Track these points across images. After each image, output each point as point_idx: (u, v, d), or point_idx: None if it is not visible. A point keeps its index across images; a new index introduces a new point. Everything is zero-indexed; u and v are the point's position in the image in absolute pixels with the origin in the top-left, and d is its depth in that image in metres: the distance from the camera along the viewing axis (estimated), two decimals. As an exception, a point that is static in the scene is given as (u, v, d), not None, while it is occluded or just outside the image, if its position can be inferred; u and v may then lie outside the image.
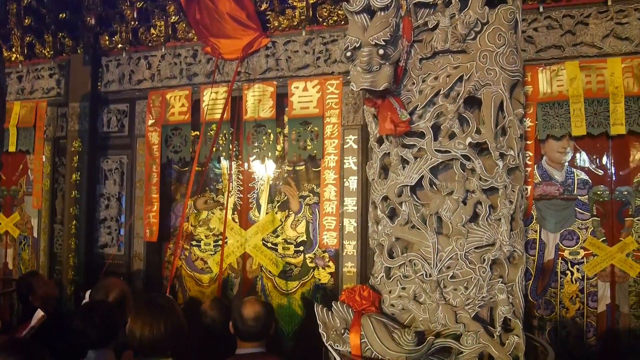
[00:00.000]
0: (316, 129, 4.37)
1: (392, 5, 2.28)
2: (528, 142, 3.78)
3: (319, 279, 4.49)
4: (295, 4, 4.38)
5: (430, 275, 2.32)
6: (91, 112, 4.98)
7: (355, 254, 4.21)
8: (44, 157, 5.22)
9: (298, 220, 4.61)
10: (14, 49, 5.24)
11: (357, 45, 2.29)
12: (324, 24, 4.39)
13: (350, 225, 4.25)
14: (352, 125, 4.27)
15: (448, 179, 2.37)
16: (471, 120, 2.34)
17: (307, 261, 4.55)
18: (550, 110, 3.88)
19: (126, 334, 2.35)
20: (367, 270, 4.20)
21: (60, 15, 4.80)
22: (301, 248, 4.57)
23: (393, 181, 2.45)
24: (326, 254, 4.48)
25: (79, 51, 4.99)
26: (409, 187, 2.41)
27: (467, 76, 2.34)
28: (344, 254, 4.24)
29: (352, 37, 2.29)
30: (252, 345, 2.63)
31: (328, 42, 4.37)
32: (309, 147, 4.40)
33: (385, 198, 2.52)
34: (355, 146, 4.26)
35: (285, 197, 4.66)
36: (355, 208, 4.23)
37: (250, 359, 2.60)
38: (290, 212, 4.64)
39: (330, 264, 4.47)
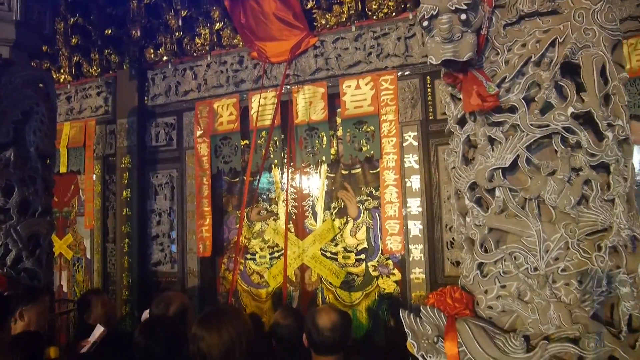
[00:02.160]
0: (372, 128, 4.13)
1: (470, -33, 2.02)
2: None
3: (384, 289, 4.20)
4: (343, -1, 4.18)
5: (536, 269, 2.01)
6: (139, 127, 4.91)
7: (422, 258, 3.91)
8: (94, 175, 5.18)
9: (357, 226, 4.35)
10: (62, 70, 5.26)
11: (435, 13, 2.04)
12: (374, 17, 4.17)
13: (416, 228, 3.96)
14: (411, 121, 4.01)
15: (547, 157, 2.06)
16: (570, 89, 2.04)
17: (370, 270, 4.26)
18: (632, 88, 3.51)
19: (189, 342, 2.12)
20: (436, 276, 3.88)
21: (106, 31, 4.78)
22: (362, 256, 4.30)
23: (482, 165, 2.15)
24: (390, 261, 4.19)
25: (125, 67, 4.94)
26: (501, 170, 2.11)
27: (562, 39, 2.05)
28: (411, 259, 3.95)
29: (427, 4, 2.05)
30: (329, 359, 2.36)
31: (379, 36, 4.15)
32: (364, 148, 4.15)
33: (473, 185, 2.23)
34: (415, 143, 3.99)
35: (343, 203, 4.41)
36: (420, 209, 3.95)
37: (328, 373, 2.32)
38: (349, 219, 4.38)
39: (395, 271, 4.17)
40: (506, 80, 2.11)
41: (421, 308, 2.18)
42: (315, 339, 2.37)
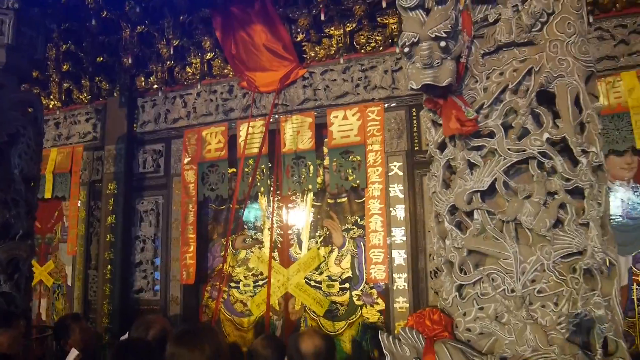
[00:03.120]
0: (358, 157, 4.19)
1: (450, -1, 2.13)
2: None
3: (368, 318, 4.17)
4: (332, 32, 4.32)
5: (513, 291, 2.02)
6: (127, 153, 4.93)
7: (406, 287, 3.91)
8: (79, 202, 5.15)
9: (342, 255, 4.35)
10: (52, 96, 5.30)
11: (415, 40, 2.12)
12: (362, 51, 4.30)
13: (400, 257, 3.97)
14: (397, 151, 4.08)
15: (524, 181, 2.11)
16: (545, 116, 2.11)
17: (354, 299, 4.24)
18: (610, 124, 3.63)
19: None
20: (420, 305, 3.87)
21: (98, 58, 4.86)
22: (347, 285, 4.28)
23: (461, 188, 2.20)
24: (374, 290, 4.18)
25: (115, 94, 5.01)
26: (479, 193, 2.16)
27: (537, 68, 2.13)
28: (394, 288, 3.95)
29: (409, 32, 2.13)
30: (311, 385, 2.33)
31: (367, 68, 4.27)
32: (350, 177, 4.21)
33: (452, 209, 2.26)
34: (400, 173, 4.05)
35: (328, 232, 4.43)
36: (405, 238, 3.97)
37: (308, 400, 2.28)
38: (334, 247, 4.39)
39: (379, 300, 4.15)
40: (484, 107, 2.18)
41: (399, 330, 2.17)
42: (296, 364, 2.34)
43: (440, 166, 2.36)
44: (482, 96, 2.21)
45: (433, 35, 2.08)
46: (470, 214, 2.21)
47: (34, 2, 3.75)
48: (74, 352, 2.87)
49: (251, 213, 4.73)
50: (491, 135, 2.17)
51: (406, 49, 2.15)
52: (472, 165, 2.21)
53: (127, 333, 2.88)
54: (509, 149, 2.10)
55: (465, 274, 2.18)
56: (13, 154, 3.61)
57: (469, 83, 2.27)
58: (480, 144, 2.19)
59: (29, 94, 4.07)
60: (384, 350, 2.19)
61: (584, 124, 2.11)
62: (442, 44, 2.07)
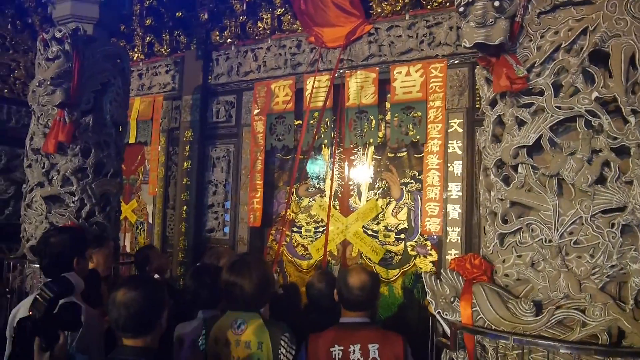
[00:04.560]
0: (419, 113, 4.29)
1: (507, -43, 2.18)
2: None
3: (421, 268, 4.37)
4: (398, -13, 4.35)
5: (550, 241, 2.15)
6: (202, 104, 5.30)
7: (459, 241, 4.05)
8: (159, 147, 5.63)
9: (399, 207, 4.54)
10: (135, 49, 5.74)
11: (470, 0, 2.21)
12: (428, 7, 4.32)
13: (455, 211, 4.10)
14: (457, 108, 4.14)
15: (571, 139, 2.19)
16: (597, 75, 2.15)
17: (408, 249, 4.45)
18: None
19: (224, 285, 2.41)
20: (472, 259, 4.01)
21: (177, 13, 5.20)
22: (402, 236, 4.49)
23: (508, 143, 2.31)
24: (428, 242, 4.36)
25: (192, 47, 5.35)
26: (525, 148, 2.26)
27: (593, 27, 2.16)
28: (448, 241, 4.10)
29: (464, -9, 2.22)
30: (356, 315, 2.59)
31: (432, 25, 4.29)
32: (411, 133, 4.33)
33: (499, 162, 2.38)
34: (460, 130, 4.12)
35: (387, 184, 4.61)
36: (460, 194, 4.09)
37: (354, 328, 2.55)
38: (392, 200, 4.58)
39: (433, 252, 4.34)
40: (536, 65, 2.25)
41: (442, 271, 2.37)
42: (345, 296, 2.60)
43: (491, 122, 2.47)
44: (535, 55, 2.27)
45: (488, -6, 2.16)
46: (515, 168, 2.33)
47: (123, -38, 4.08)
48: (156, 277, 3.31)
49: (315, 163, 4.99)
50: (541, 93, 2.25)
51: (461, 9, 2.24)
52: (520, 122, 2.31)
53: (199, 264, 3.28)
54: (556, 106, 2.18)
55: (507, 223, 2.33)
56: (105, 101, 4.05)
57: (524, 42, 2.33)
58: (529, 101, 2.27)
59: (118, 47, 4.47)
60: (426, 288, 2.41)
61: (638, 84, 2.14)
62: (496, 3, 2.15)
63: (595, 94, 2.12)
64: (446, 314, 2.33)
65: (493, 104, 2.46)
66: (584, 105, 2.13)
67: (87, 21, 3.94)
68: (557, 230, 2.14)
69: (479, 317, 2.24)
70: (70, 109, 3.73)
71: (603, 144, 2.11)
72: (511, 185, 2.30)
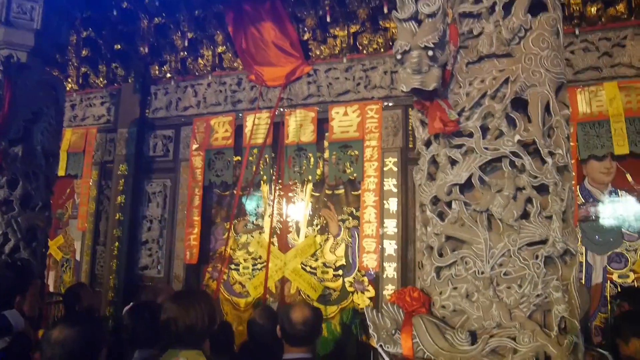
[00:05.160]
0: (356, 152, 4.46)
1: (439, 13, 2.39)
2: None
3: (358, 304, 4.45)
4: (336, 33, 4.58)
5: (482, 273, 2.30)
6: (138, 137, 5.21)
7: (395, 276, 4.19)
8: (91, 180, 5.43)
9: (337, 243, 4.63)
10: (69, 79, 5.58)
11: (407, 49, 2.38)
12: (364, 52, 4.57)
13: (391, 247, 4.25)
14: (392, 147, 4.35)
15: (497, 178, 2.38)
16: (518, 120, 2.37)
17: (346, 285, 4.53)
18: (591, 130, 3.90)
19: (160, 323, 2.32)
20: (407, 293, 4.14)
21: (115, 45, 5.14)
22: (340, 272, 4.57)
23: (442, 181, 2.47)
24: (365, 278, 4.46)
25: (129, 80, 5.29)
26: (458, 186, 2.43)
27: (513, 78, 2.40)
28: (384, 276, 4.22)
29: (402, 41, 2.39)
30: (299, 350, 2.60)
31: (368, 69, 4.53)
32: (348, 170, 4.48)
33: (434, 199, 2.53)
34: (395, 168, 4.32)
35: (325, 221, 4.70)
36: (396, 230, 4.25)
37: (297, 363, 2.56)
38: (330, 236, 4.67)
39: (370, 288, 4.43)
40: (466, 110, 2.45)
41: (382, 304, 2.45)
42: (288, 331, 2.61)
43: (426, 161, 2.63)
44: (464, 100, 2.47)
45: (422, 45, 2.34)
46: (449, 204, 2.48)
47: (61, -9, 4.02)
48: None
49: (253, 200, 5.01)
50: (470, 135, 2.44)
51: (399, 56, 2.41)
52: (452, 161, 2.48)
53: (131, 304, 3.15)
54: (485, 147, 2.37)
55: (443, 257, 2.46)
56: (36, 130, 3.90)
57: (454, 88, 2.53)
58: (460, 142, 2.46)
59: (53, 76, 4.34)
60: (368, 322, 2.48)
61: (553, 129, 2.38)
62: (430, 53, 2.33)
63: (517, 137, 2.33)
64: (388, 347, 2.39)
65: (428, 144, 2.63)
66: (508, 147, 2.33)
67: (21, 49, 3.81)
68: (489, 262, 2.29)
69: (419, 348, 2.32)
70: (-3, 139, 3.55)
71: (526, 182, 2.31)
72: (446, 220, 2.45)
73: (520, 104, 2.44)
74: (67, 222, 5.75)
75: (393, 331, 2.40)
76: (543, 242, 2.29)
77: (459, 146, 2.47)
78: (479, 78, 2.49)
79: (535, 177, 2.31)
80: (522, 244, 2.28)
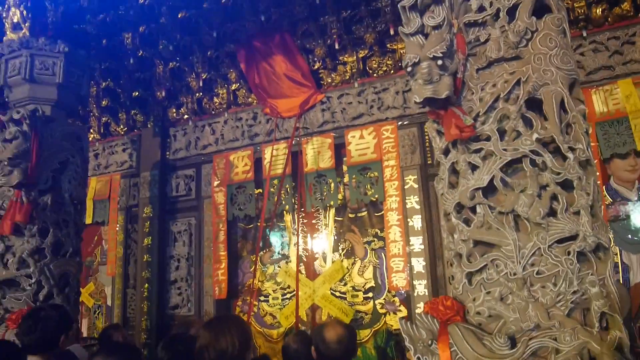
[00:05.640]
0: (375, 173, 4.49)
1: (445, 24, 2.46)
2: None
3: (391, 325, 4.38)
4: (346, 59, 4.69)
5: (515, 274, 2.27)
6: (160, 179, 5.33)
7: (426, 293, 4.13)
8: (117, 225, 5.53)
9: (365, 266, 4.60)
10: (91, 130, 5.77)
11: (417, 61, 2.44)
12: (374, 75, 4.65)
13: (419, 264, 4.21)
14: (411, 165, 4.37)
15: (520, 178, 2.38)
16: (535, 120, 2.39)
17: (377, 307, 4.47)
18: (610, 129, 3.87)
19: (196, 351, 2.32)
20: (440, 310, 4.07)
21: (134, 93, 5.33)
22: (370, 294, 4.52)
23: (464, 186, 2.48)
24: (396, 298, 4.41)
25: (149, 125, 5.45)
26: (480, 190, 2.43)
27: (525, 79, 2.42)
28: (415, 294, 4.17)
29: (410, 54, 2.46)
30: (335, 370, 2.58)
31: (380, 90, 4.61)
32: (369, 192, 4.50)
33: (458, 206, 2.53)
34: (415, 185, 4.33)
35: (350, 245, 4.70)
36: (422, 247, 4.21)
37: (334, 384, 2.53)
38: (356, 259, 4.65)
39: (402, 307, 4.38)
40: (480, 114, 2.48)
41: (416, 315, 2.43)
42: (322, 351, 2.59)
43: (446, 169, 2.64)
44: (478, 105, 2.50)
45: (431, 56, 2.40)
46: (473, 210, 2.48)
47: (80, 44, 4.22)
48: None
49: (278, 230, 5.03)
50: (488, 138, 2.45)
51: (409, 69, 2.47)
52: (473, 166, 2.49)
53: (170, 334, 3.17)
54: (503, 149, 2.38)
55: (472, 262, 2.44)
56: (63, 179, 4.02)
57: (467, 95, 2.57)
58: (479, 147, 2.47)
59: (77, 126, 4.50)
60: (403, 334, 2.45)
61: (570, 125, 2.38)
62: (440, 62, 2.39)
63: (535, 136, 2.35)
64: (425, 358, 2.36)
65: (446, 152, 2.65)
66: (527, 146, 2.34)
67: (45, 103, 3.98)
68: (520, 263, 2.27)
69: (458, 356, 2.28)
70: (27, 189, 3.67)
71: (549, 179, 2.31)
72: (472, 225, 2.44)
73: (534, 103, 2.46)
74: (97, 269, 5.83)
75: (429, 342, 2.37)
76: (573, 237, 2.26)
77: (478, 150, 2.49)
78: (490, 83, 2.53)
79: (558, 174, 2.30)
80: (551, 241, 2.25)
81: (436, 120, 2.68)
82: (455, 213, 2.56)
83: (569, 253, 2.23)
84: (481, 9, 2.63)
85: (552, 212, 2.30)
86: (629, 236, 3.80)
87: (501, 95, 2.46)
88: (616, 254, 3.76)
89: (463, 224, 2.50)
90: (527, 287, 2.25)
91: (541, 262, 2.26)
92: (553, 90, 2.39)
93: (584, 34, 3.99)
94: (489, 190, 2.45)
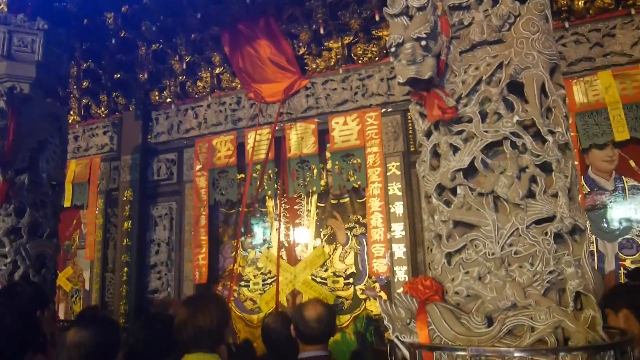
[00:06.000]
0: (358, 160, 4.50)
1: (429, 6, 2.46)
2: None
3: (372, 311, 4.41)
4: (331, 45, 4.68)
5: (493, 254, 2.29)
6: (142, 162, 5.27)
7: (406, 279, 4.15)
8: (97, 209, 5.46)
9: (346, 252, 4.62)
10: (71, 112, 5.67)
11: (400, 42, 2.44)
12: (359, 61, 4.65)
13: (400, 250, 4.24)
14: (394, 152, 4.39)
15: (500, 160, 2.41)
16: (516, 103, 2.40)
17: (358, 293, 4.50)
18: (589, 119, 3.93)
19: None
20: (420, 296, 4.11)
21: (115, 75, 5.24)
22: (351, 280, 4.54)
23: (445, 168, 2.49)
24: (377, 284, 4.43)
25: (130, 108, 5.37)
26: (461, 171, 2.45)
27: (507, 62, 2.44)
28: (396, 280, 4.20)
29: (395, 35, 2.46)
30: (314, 348, 2.58)
31: (364, 77, 4.61)
32: (352, 178, 4.51)
33: (439, 187, 2.55)
34: (398, 172, 4.35)
35: (332, 231, 4.71)
36: (403, 233, 4.24)
37: (314, 361, 2.54)
38: (338, 245, 4.66)
39: (382, 293, 4.40)
40: (463, 97, 2.49)
41: (395, 294, 2.45)
42: (302, 330, 2.59)
43: (428, 151, 2.65)
44: (461, 88, 2.51)
45: (415, 37, 2.40)
46: (454, 191, 2.49)
47: (60, 23, 4.13)
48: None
49: (259, 215, 5.02)
50: (470, 120, 2.47)
51: (393, 49, 2.47)
52: (454, 148, 2.51)
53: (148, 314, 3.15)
54: (485, 131, 2.40)
55: (452, 242, 2.47)
56: (41, 159, 3.94)
57: (449, 77, 2.58)
58: (460, 128, 2.49)
59: (56, 106, 4.41)
60: (382, 313, 2.46)
61: (551, 109, 2.41)
62: (423, 43, 2.39)
63: (516, 118, 2.37)
64: (404, 337, 2.37)
65: (428, 134, 2.66)
66: (507, 128, 2.36)
67: (23, 80, 3.89)
68: (498, 243, 2.29)
69: (436, 335, 2.30)
70: (4, 167, 3.60)
71: (528, 161, 2.33)
72: (452, 206, 2.46)
73: (516, 87, 2.48)
74: (75, 253, 5.75)
75: (408, 320, 2.38)
76: (551, 219, 2.29)
77: (460, 132, 2.50)
78: (473, 65, 2.54)
79: (538, 156, 2.33)
80: (529, 221, 2.28)
81: (419, 102, 2.69)
82: (436, 195, 2.58)
83: (546, 234, 2.26)
84: (466, -8, 2.66)
85: (530, 194, 2.33)
86: (605, 225, 3.87)
87: (483, 77, 2.48)
88: (592, 242, 3.83)
89: (444, 205, 2.52)
90: (504, 267, 2.28)
91: (519, 243, 2.29)
92: (534, 74, 2.42)
93: (566, 25, 4.04)
94: (470, 171, 2.47)
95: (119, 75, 5.28)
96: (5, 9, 3.95)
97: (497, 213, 2.35)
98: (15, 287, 2.48)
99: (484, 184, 2.41)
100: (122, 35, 4.81)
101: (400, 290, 4.08)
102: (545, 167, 2.35)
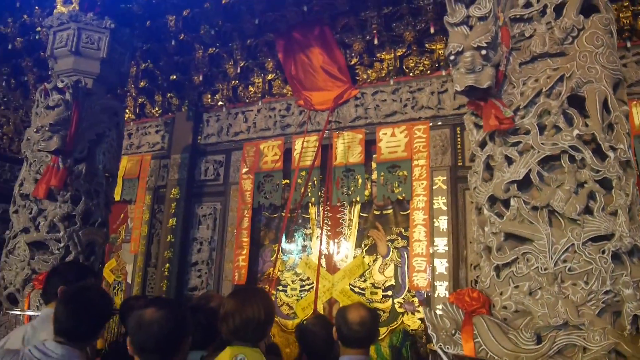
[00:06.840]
0: (404, 172, 4.48)
1: (491, 16, 2.46)
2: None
3: (409, 325, 4.34)
4: (383, 57, 4.70)
5: (546, 269, 2.23)
6: (190, 162, 5.40)
7: (447, 295, 4.08)
8: (144, 205, 5.62)
9: (386, 264, 4.58)
10: (127, 110, 5.89)
11: (460, 50, 2.44)
12: (411, 74, 4.65)
13: (442, 265, 4.17)
14: (441, 166, 4.35)
15: (557, 173, 2.35)
16: (576, 117, 2.36)
17: (396, 306, 4.44)
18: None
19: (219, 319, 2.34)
20: (460, 313, 4.02)
21: (172, 76, 5.43)
22: (389, 292, 4.49)
23: (499, 179, 2.45)
24: (416, 298, 4.37)
25: (183, 109, 5.54)
26: (515, 183, 2.41)
27: (569, 75, 2.40)
28: (436, 296, 4.13)
29: (454, 43, 2.46)
30: (356, 352, 2.55)
31: (415, 90, 4.60)
32: (397, 190, 4.48)
33: (491, 198, 2.51)
34: (444, 187, 4.30)
35: (373, 241, 4.68)
36: (447, 248, 4.18)
37: (354, 366, 2.52)
38: (378, 256, 4.63)
39: (420, 308, 4.33)
40: (521, 108, 2.46)
41: (441, 304, 2.41)
42: (344, 332, 2.58)
43: (481, 162, 2.63)
44: (519, 99, 2.49)
45: (475, 45, 2.40)
46: (506, 203, 2.45)
47: (125, 23, 4.32)
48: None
49: (301, 222, 5.05)
50: (527, 132, 2.43)
51: (452, 57, 2.47)
52: (509, 160, 2.47)
53: (190, 304, 3.20)
54: (542, 144, 2.36)
55: (502, 255, 2.41)
56: (98, 151, 4.11)
57: (507, 89, 2.56)
58: (517, 140, 2.46)
59: (115, 102, 4.60)
60: (427, 322, 2.43)
61: (612, 124, 2.35)
62: (483, 52, 2.38)
63: (576, 132, 2.32)
64: (448, 347, 2.33)
65: (483, 145, 2.63)
66: (567, 141, 2.32)
67: (88, 75, 4.09)
68: (552, 258, 2.24)
69: (481, 348, 2.25)
70: (64, 156, 3.77)
71: (587, 176, 2.28)
72: (505, 217, 2.42)
73: (576, 100, 2.43)
74: (120, 246, 5.93)
75: (453, 331, 2.34)
76: (609, 237, 2.22)
77: (516, 144, 2.47)
78: (533, 77, 2.51)
79: (598, 172, 2.27)
80: (586, 238, 2.21)
81: (474, 112, 2.67)
82: (488, 206, 2.54)
83: (603, 252, 2.19)
84: (528, 4, 2.63)
85: (588, 210, 2.27)
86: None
87: (543, 90, 2.44)
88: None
89: (495, 216, 2.48)
90: (557, 283, 2.22)
91: (574, 259, 2.22)
92: (597, 89, 2.37)
93: (628, 45, 3.93)
94: (524, 184, 2.42)
95: (174, 76, 5.46)
96: (77, 8, 4.16)
97: (551, 227, 2.29)
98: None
99: (538, 197, 2.36)
100: (181, 37, 4.98)
101: (439, 310, 4.03)
102: (605, 184, 2.29)
